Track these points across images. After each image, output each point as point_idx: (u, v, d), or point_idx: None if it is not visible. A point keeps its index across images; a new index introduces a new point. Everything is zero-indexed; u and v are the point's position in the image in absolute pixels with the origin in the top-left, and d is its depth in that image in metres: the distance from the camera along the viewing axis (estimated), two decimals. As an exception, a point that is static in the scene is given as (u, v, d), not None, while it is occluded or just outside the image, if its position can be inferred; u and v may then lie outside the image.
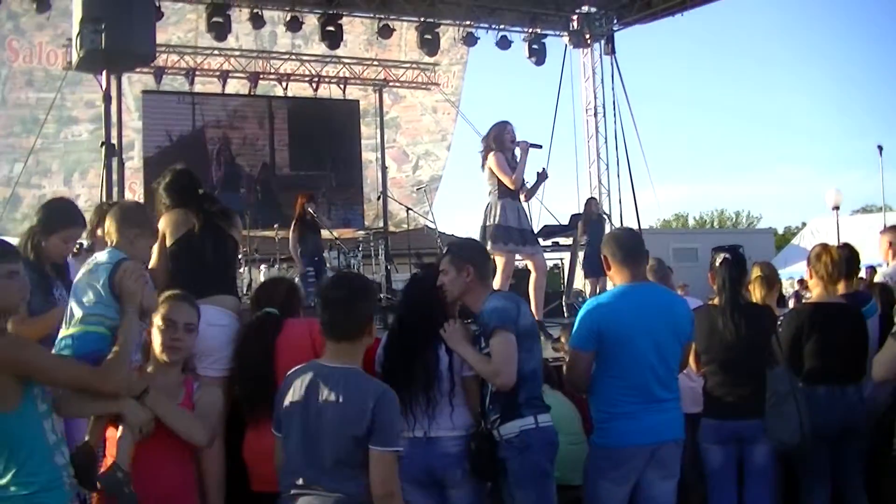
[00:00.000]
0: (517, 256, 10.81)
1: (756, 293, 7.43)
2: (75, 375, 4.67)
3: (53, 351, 4.91)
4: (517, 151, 10.71)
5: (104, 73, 9.99)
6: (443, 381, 5.73)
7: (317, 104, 23.82)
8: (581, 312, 6.19)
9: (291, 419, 4.75)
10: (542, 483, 5.73)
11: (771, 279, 7.60)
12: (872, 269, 12.90)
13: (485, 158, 10.80)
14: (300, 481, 4.66)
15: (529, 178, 10.95)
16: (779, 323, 7.04)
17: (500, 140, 10.67)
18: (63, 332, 5.02)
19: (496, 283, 10.23)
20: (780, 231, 57.40)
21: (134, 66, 12.72)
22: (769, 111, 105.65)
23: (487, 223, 10.64)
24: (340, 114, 24.06)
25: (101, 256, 5.22)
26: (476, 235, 10.60)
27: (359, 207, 24.01)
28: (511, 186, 10.55)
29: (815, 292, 7.08)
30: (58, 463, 4.42)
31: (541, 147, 10.87)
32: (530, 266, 10.87)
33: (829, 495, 6.91)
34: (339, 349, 4.78)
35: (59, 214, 6.25)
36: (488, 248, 10.18)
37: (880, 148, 27.77)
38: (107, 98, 9.99)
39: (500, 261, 10.28)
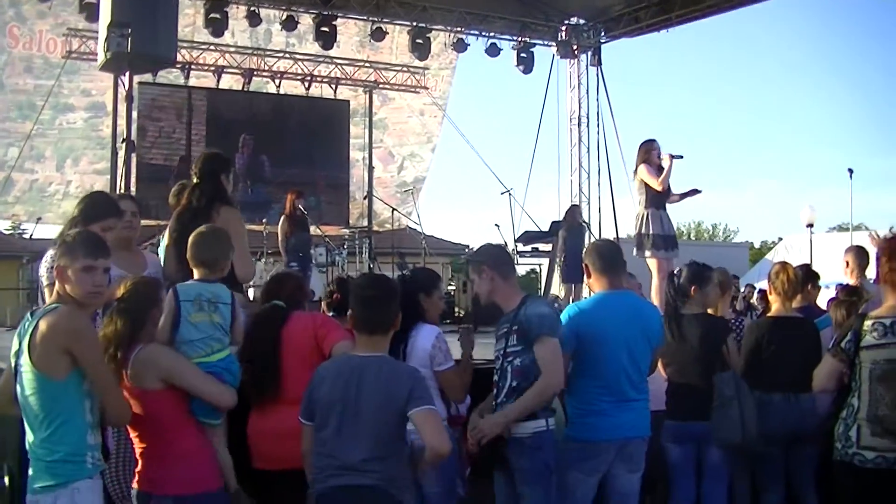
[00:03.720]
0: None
1: None
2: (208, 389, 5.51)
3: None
4: (664, 163, 11.83)
5: (127, 73, 10.45)
6: None
7: (308, 102, 24.05)
8: (562, 316, 6.72)
9: (329, 407, 5.13)
10: (549, 480, 6.14)
11: (724, 285, 8.31)
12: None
13: (635, 172, 12.14)
14: (338, 464, 5.07)
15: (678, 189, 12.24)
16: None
17: (648, 156, 11.92)
18: (220, 356, 5.75)
19: (654, 286, 11.35)
20: (757, 245, 57.83)
21: (156, 68, 13.22)
22: (750, 126, 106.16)
23: (642, 231, 11.77)
24: (330, 113, 24.24)
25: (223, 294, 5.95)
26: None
27: (344, 205, 24.16)
28: (659, 188, 11.69)
29: (773, 307, 7.70)
30: (88, 441, 4.79)
31: (682, 157, 11.87)
32: (654, 267, 11.71)
33: (784, 496, 7.50)
34: (371, 341, 5.23)
35: (99, 206, 6.70)
36: (646, 254, 11.59)
37: (850, 171, 28.31)
38: (128, 98, 10.50)
39: (653, 264, 11.54)
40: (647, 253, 11.61)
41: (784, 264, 7.80)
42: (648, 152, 11.99)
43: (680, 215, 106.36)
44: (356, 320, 5.34)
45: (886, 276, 5.87)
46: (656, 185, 11.65)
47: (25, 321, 4.85)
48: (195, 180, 7.36)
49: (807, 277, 8.48)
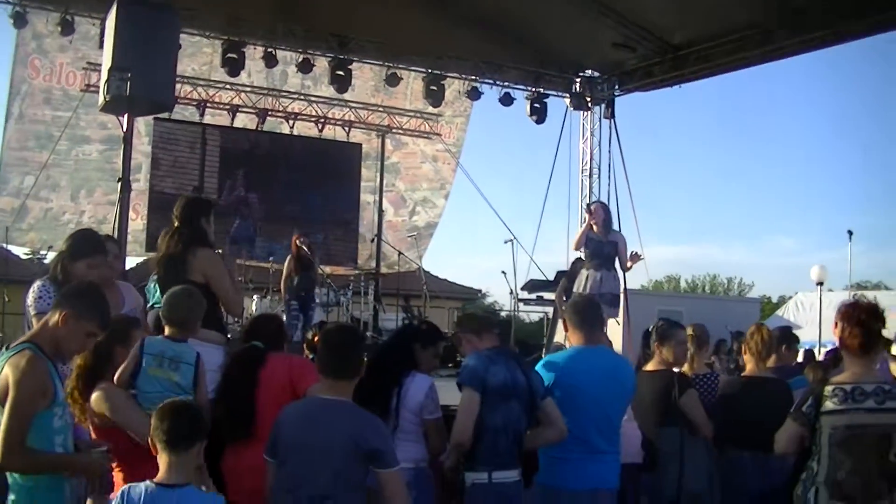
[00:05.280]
0: None
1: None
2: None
3: None
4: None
5: (126, 115, 10.70)
6: (390, 420, 6.49)
7: (321, 144, 24.20)
8: (537, 367, 6.93)
9: (292, 446, 5.38)
10: None
11: (701, 339, 8.42)
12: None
13: None
14: (298, 499, 5.28)
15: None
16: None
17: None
18: None
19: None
20: (775, 300, 57.78)
21: (154, 111, 13.46)
22: (770, 181, 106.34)
23: (578, 290, 12.69)
24: (343, 155, 24.41)
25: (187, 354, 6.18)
26: None
27: (353, 246, 24.32)
28: (572, 246, 12.88)
29: (747, 367, 7.85)
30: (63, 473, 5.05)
31: (590, 210, 12.61)
32: None
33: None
34: (336, 385, 5.43)
35: (85, 244, 7.03)
36: None
37: (850, 233, 28.27)
38: (126, 140, 10.73)
39: None
40: None
41: (759, 325, 7.97)
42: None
43: (695, 268, 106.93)
44: (321, 365, 5.56)
45: (846, 342, 6.01)
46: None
47: (1, 355, 5.05)
48: (175, 224, 7.64)
49: (782, 339, 8.69)
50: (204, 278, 7.35)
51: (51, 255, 20.52)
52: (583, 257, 13.27)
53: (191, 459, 4.95)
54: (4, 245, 22.46)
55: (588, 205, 12.75)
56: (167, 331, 6.27)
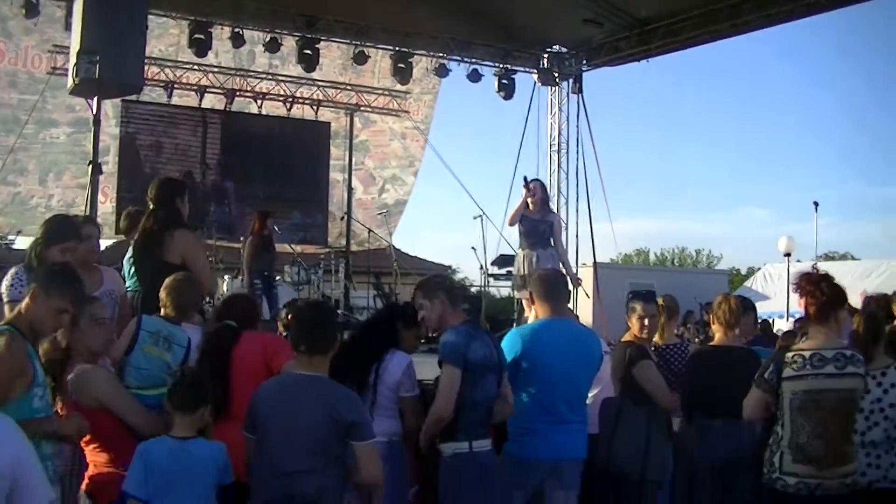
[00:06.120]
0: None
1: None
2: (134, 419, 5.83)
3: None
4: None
5: (95, 98, 10.72)
6: (368, 395, 6.57)
7: (290, 123, 24.27)
8: (504, 340, 7.02)
9: (269, 421, 5.49)
10: (471, 500, 6.38)
11: (671, 309, 8.58)
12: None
13: None
14: (275, 474, 5.41)
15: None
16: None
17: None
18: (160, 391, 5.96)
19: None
20: (744, 272, 58.17)
21: (123, 94, 13.55)
22: (744, 153, 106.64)
23: (516, 272, 12.48)
24: (311, 134, 24.55)
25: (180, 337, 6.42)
26: None
27: (324, 225, 24.43)
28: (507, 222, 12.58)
29: (716, 336, 7.92)
30: (44, 451, 5.05)
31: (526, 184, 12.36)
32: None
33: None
34: (311, 361, 5.55)
35: (59, 229, 7.09)
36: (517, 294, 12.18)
37: (816, 204, 28.53)
38: (96, 122, 10.76)
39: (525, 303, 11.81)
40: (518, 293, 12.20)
41: (725, 296, 8.05)
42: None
43: (665, 240, 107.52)
44: (295, 341, 5.66)
45: (805, 311, 6.21)
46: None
47: None
48: (151, 206, 7.74)
49: (744, 308, 8.76)
50: (181, 259, 7.46)
51: (19, 240, 20.62)
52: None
53: (197, 419, 5.58)
54: (-28, 230, 22.44)
55: (526, 180, 12.42)
56: (164, 311, 6.44)
